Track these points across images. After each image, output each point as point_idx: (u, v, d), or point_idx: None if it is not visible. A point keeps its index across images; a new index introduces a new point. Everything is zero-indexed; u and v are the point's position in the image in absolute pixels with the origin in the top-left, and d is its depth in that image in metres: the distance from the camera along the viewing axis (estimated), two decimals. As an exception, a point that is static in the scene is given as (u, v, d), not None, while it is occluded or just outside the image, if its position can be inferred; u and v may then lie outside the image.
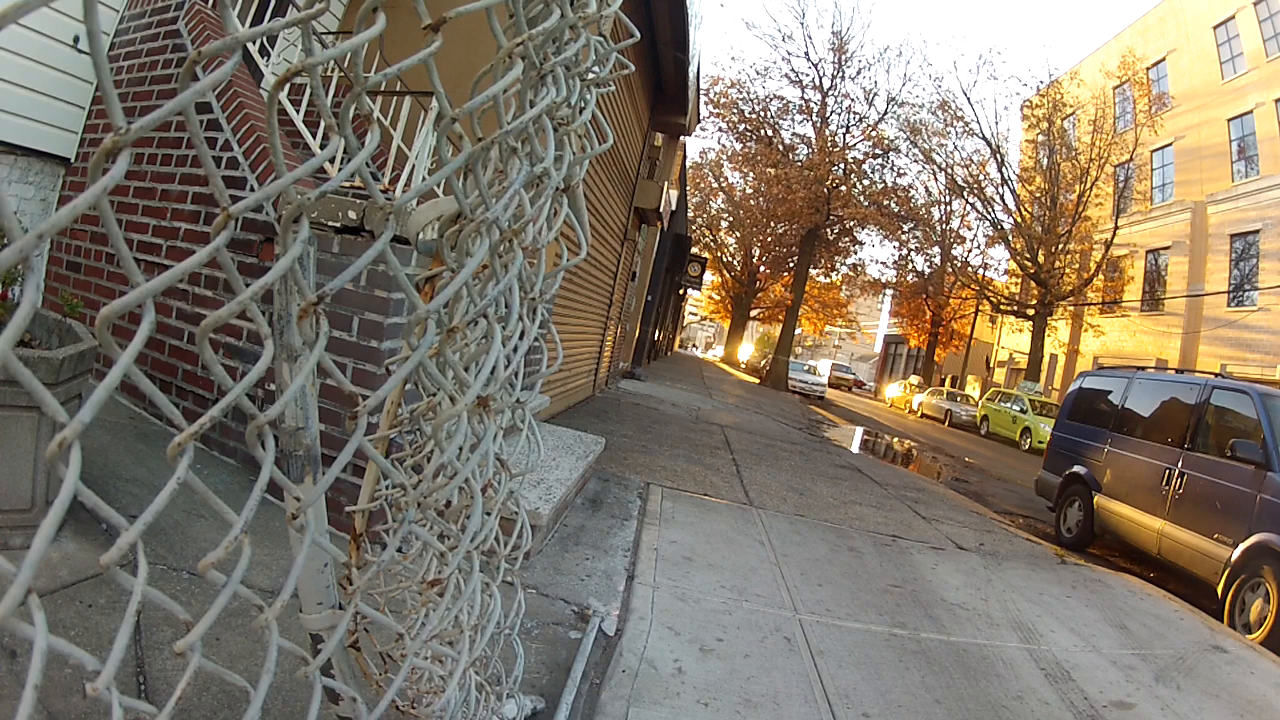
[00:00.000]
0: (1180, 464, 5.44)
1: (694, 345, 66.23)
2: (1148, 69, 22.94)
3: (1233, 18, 20.17)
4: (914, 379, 29.56)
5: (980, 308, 28.39)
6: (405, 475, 1.01)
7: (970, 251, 28.10)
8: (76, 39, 3.60)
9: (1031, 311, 22.79)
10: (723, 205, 31.84)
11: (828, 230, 26.10)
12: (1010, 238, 23.62)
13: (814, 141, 25.54)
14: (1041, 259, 22.17)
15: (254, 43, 3.77)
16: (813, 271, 28.73)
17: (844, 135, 25.62)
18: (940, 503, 6.71)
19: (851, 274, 31.51)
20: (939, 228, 27.59)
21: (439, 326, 0.91)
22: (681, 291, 29.34)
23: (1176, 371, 6.79)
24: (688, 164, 22.55)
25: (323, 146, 3.58)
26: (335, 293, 0.66)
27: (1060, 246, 21.92)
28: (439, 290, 0.92)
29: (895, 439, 15.21)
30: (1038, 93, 24.09)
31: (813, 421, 14.48)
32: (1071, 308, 22.62)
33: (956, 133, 24.64)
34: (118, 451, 2.70)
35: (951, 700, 2.53)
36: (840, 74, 25.21)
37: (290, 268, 0.64)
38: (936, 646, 2.99)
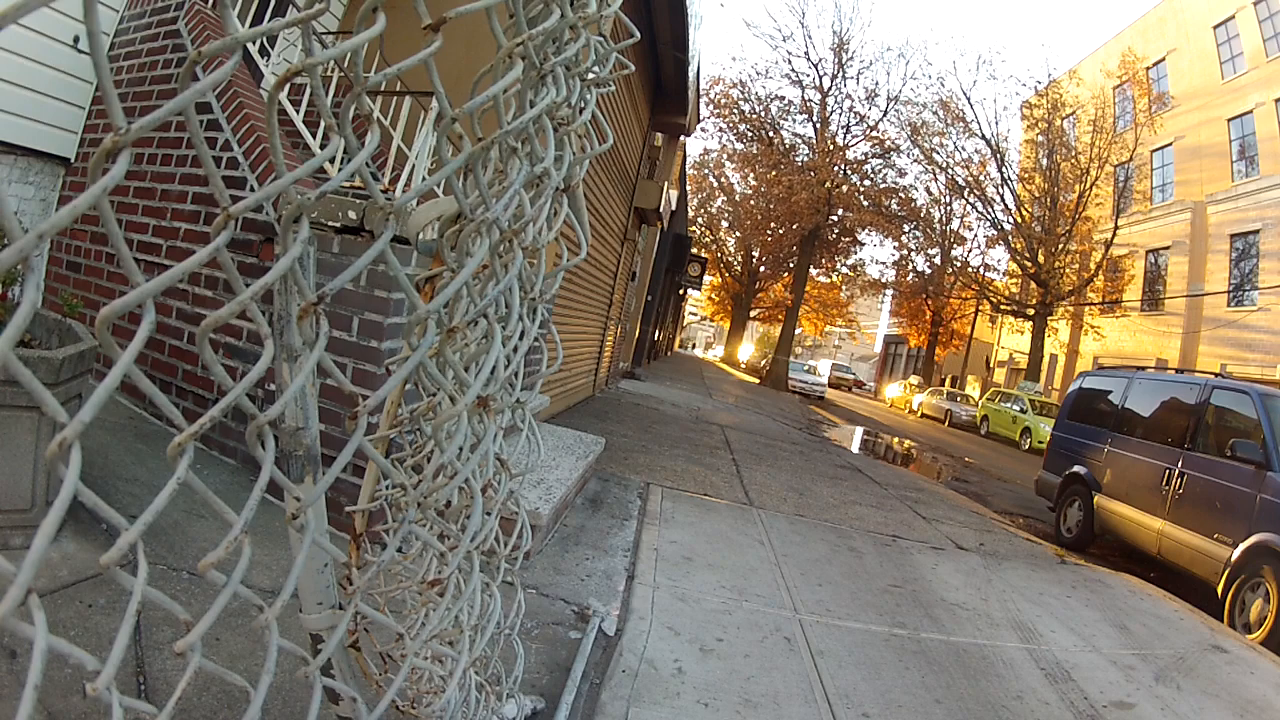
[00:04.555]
0: (1180, 464, 5.44)
1: (694, 345, 66.21)
2: (1148, 69, 22.94)
3: (1232, 18, 20.16)
4: (914, 379, 29.55)
5: (980, 308, 28.39)
6: (405, 475, 1.01)
7: (970, 252, 28.14)
8: (76, 39, 3.60)
9: (1031, 311, 22.79)
10: (723, 205, 31.86)
11: (828, 230, 26.11)
12: (1010, 238, 23.62)
13: (814, 142, 25.56)
14: (1041, 259, 22.17)
15: (254, 43, 3.77)
16: (813, 271, 28.74)
17: (844, 135, 25.64)
18: (940, 503, 6.71)
19: (851, 274, 31.52)
20: (939, 228, 27.59)
21: (439, 326, 0.91)
22: (681, 291, 29.33)
23: (1176, 371, 6.79)
24: (688, 164, 22.55)
25: (323, 146, 3.58)
26: (335, 293, 0.66)
27: (1060, 246, 21.92)
28: (439, 290, 0.92)
29: (895, 439, 15.21)
30: (1037, 93, 24.09)
31: (812, 421, 14.48)
32: (1071, 308, 22.62)
33: (957, 133, 24.67)
34: (118, 451, 2.70)
35: (951, 700, 2.53)
36: (841, 74, 25.25)
37: (290, 268, 0.64)
38: (936, 646, 2.99)
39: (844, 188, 24.98)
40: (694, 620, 2.78)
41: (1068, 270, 22.31)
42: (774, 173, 25.09)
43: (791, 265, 28.47)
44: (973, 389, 29.09)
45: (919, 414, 25.04)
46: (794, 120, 26.46)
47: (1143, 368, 7.38)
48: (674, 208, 15.33)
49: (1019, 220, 23.43)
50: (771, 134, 26.36)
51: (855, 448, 11.63)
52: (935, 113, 24.80)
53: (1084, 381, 7.48)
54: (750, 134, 26.80)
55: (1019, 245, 23.03)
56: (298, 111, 3.66)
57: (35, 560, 0.46)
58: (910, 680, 2.63)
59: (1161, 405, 6.06)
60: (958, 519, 5.98)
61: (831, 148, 24.75)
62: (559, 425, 5.62)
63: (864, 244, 28.77)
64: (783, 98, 26.35)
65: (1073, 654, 3.18)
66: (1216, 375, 5.94)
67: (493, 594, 1.28)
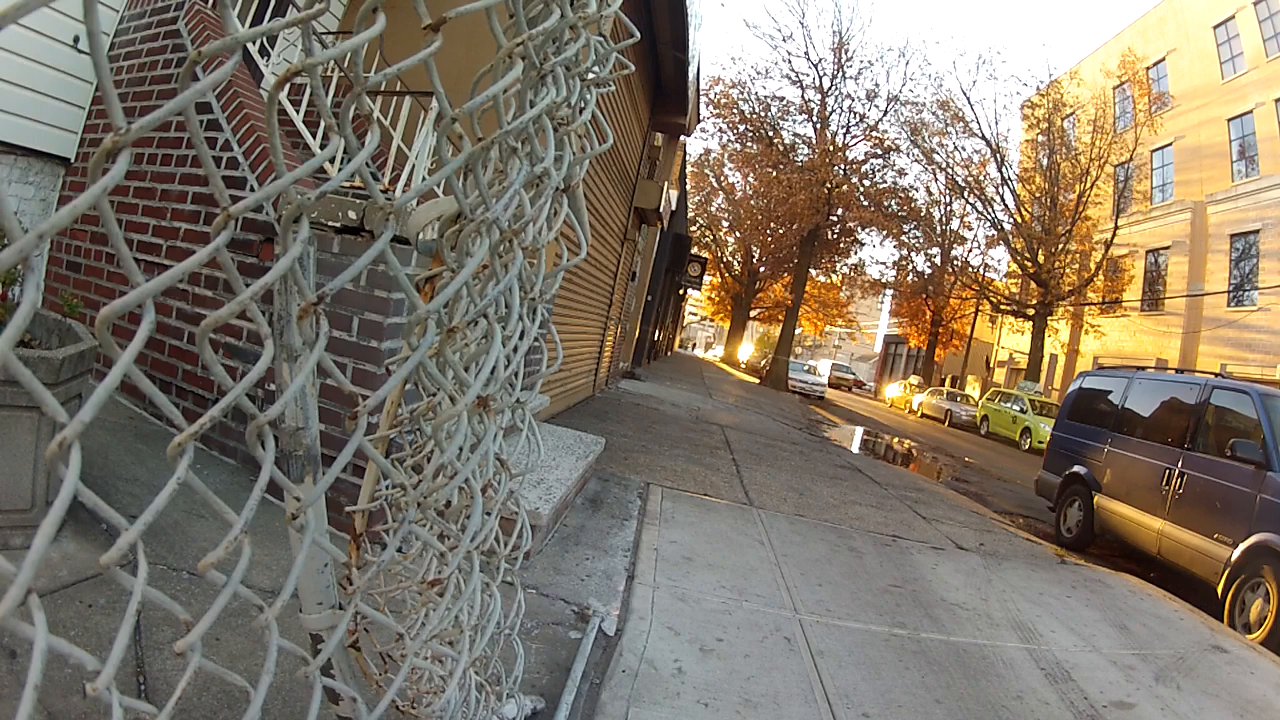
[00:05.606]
0: (1180, 464, 5.44)
1: (694, 345, 66.23)
2: (1148, 69, 22.94)
3: (1232, 18, 20.17)
4: (914, 379, 29.54)
5: (980, 308, 28.39)
6: (405, 475, 1.01)
7: (970, 252, 28.15)
8: (76, 39, 3.60)
9: (1031, 311, 22.79)
10: (723, 205, 31.87)
11: (828, 230, 26.12)
12: (1010, 238, 23.63)
13: (814, 142, 25.57)
14: (1041, 259, 22.18)
15: (254, 43, 3.77)
16: (813, 272, 28.74)
17: (844, 135, 25.65)
18: (940, 503, 6.71)
19: (852, 274, 31.53)
20: (939, 228, 27.60)
21: (439, 326, 0.91)
22: (681, 291, 29.34)
23: (1176, 371, 6.79)
24: (688, 164, 22.56)
25: (323, 146, 3.58)
26: (335, 293, 0.66)
27: (1060, 246, 21.93)
28: (439, 290, 0.92)
29: (895, 439, 15.21)
30: (1038, 92, 24.11)
31: (812, 421, 14.48)
32: (1071, 308, 22.63)
33: (957, 133, 24.69)
34: (118, 451, 2.70)
35: (951, 700, 2.53)
36: (840, 74, 25.26)
37: (290, 268, 0.64)
38: (936, 646, 2.99)
39: (844, 188, 24.99)
40: (694, 620, 2.79)
41: (1068, 270, 22.32)
42: (774, 173, 25.10)
43: (791, 265, 28.48)
44: (973, 389, 29.09)
45: (919, 414, 25.04)
46: (794, 120, 26.50)
47: (1143, 368, 7.38)
48: (674, 208, 15.33)
49: (1019, 220, 23.44)
50: (771, 134, 26.36)
51: (855, 448, 11.63)
52: (935, 113, 24.84)
53: (1084, 381, 7.47)
54: (750, 134, 26.80)
55: (1019, 245, 23.03)
56: (298, 111, 3.66)
57: (35, 560, 0.46)
58: (910, 680, 2.63)
59: (1161, 405, 6.06)
60: (958, 519, 5.98)
61: (831, 148, 24.75)
62: (559, 425, 5.62)
63: (864, 244, 28.80)
64: (782, 98, 26.43)
65: (1073, 654, 3.18)
66: (1216, 375, 5.94)
67: (493, 594, 1.28)
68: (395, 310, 2.66)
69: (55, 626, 1.66)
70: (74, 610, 1.75)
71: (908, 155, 25.76)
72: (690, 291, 31.14)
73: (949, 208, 27.50)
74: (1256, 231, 18.69)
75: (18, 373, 0.45)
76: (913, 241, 27.85)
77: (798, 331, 31.91)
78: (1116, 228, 20.93)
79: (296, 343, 0.74)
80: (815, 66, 25.49)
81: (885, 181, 26.26)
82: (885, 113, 25.36)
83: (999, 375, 29.14)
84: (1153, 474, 5.69)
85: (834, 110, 25.52)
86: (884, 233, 26.79)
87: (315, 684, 0.76)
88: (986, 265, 28.09)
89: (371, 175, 1.66)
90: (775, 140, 26.31)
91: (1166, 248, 21.57)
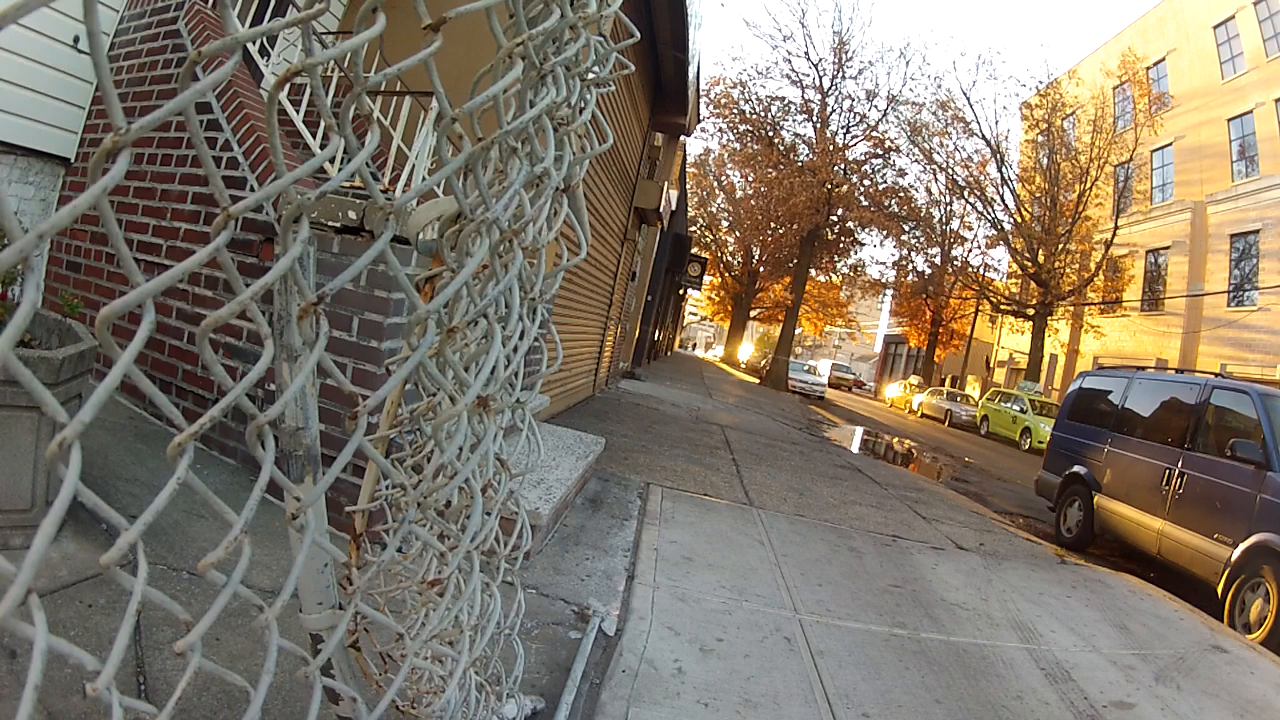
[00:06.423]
0: (1180, 464, 5.44)
1: (694, 345, 66.26)
2: (1148, 69, 22.94)
3: (1232, 18, 20.17)
4: (914, 379, 29.55)
5: (980, 308, 28.40)
6: (405, 475, 1.01)
7: (970, 252, 28.15)
8: (76, 39, 3.60)
9: (1031, 311, 22.79)
10: (723, 205, 31.88)
11: (828, 230, 26.12)
12: (1010, 238, 23.63)
13: (814, 142, 25.58)
14: (1041, 259, 22.18)
15: (254, 43, 3.77)
16: (813, 271, 28.75)
17: (844, 135, 25.66)
18: (940, 503, 6.71)
19: (851, 274, 31.54)
20: (939, 228, 27.61)
21: (439, 326, 0.91)
22: (681, 291, 29.34)
23: (1176, 371, 6.79)
24: (688, 164, 22.57)
25: (323, 146, 3.58)
26: (335, 293, 0.66)
27: (1060, 246, 21.93)
28: (439, 290, 0.92)
29: (895, 439, 15.21)
30: (1037, 92, 24.11)
31: (813, 421, 14.47)
32: (1071, 308, 22.62)
33: (957, 133, 24.70)
34: (118, 451, 2.70)
35: (951, 700, 2.53)
36: (840, 74, 25.29)
37: (290, 268, 0.64)
38: (936, 646, 2.99)
39: (844, 188, 25.00)
40: (694, 620, 2.78)
41: (1068, 270, 22.32)
42: (774, 173, 25.12)
43: (791, 265, 28.49)
44: (973, 389, 29.08)
45: (919, 414, 25.04)
46: (794, 120, 26.53)
47: (1143, 368, 7.38)
48: (674, 208, 15.33)
49: (1019, 220, 23.44)
50: (772, 134, 26.38)
51: (855, 448, 11.63)
52: (935, 113, 24.85)
53: (1084, 381, 7.48)
54: (750, 134, 26.81)
55: (1019, 245, 23.03)
56: (298, 111, 3.66)
57: (35, 560, 0.46)
58: (910, 680, 2.63)
59: (1161, 405, 6.06)
60: (958, 519, 5.97)
61: (831, 148, 24.76)
62: (559, 425, 5.62)
63: (864, 244, 28.83)
64: (783, 98, 26.41)
65: (1073, 654, 3.18)
66: (1216, 375, 5.94)
67: (493, 594, 1.28)
68: (395, 310, 2.66)
69: (55, 626, 1.66)
70: (74, 610, 1.75)
71: (908, 155, 25.81)
72: (690, 291, 31.15)
73: (949, 208, 27.50)
74: (1256, 231, 18.69)
75: (18, 373, 0.45)
76: (913, 241, 27.86)
77: (798, 331, 31.93)
78: (1116, 228, 20.93)
79: (296, 343, 0.74)
80: (815, 66, 25.53)
81: (885, 181, 26.30)
82: (885, 113, 25.40)
83: (999, 375, 29.14)
84: (1153, 474, 5.69)
85: (834, 110, 25.55)
86: (884, 233, 26.80)
87: (315, 684, 0.76)
88: (986, 265, 28.12)
89: (371, 175, 1.66)
90: (775, 140, 26.33)
91: (1166, 248, 21.57)
